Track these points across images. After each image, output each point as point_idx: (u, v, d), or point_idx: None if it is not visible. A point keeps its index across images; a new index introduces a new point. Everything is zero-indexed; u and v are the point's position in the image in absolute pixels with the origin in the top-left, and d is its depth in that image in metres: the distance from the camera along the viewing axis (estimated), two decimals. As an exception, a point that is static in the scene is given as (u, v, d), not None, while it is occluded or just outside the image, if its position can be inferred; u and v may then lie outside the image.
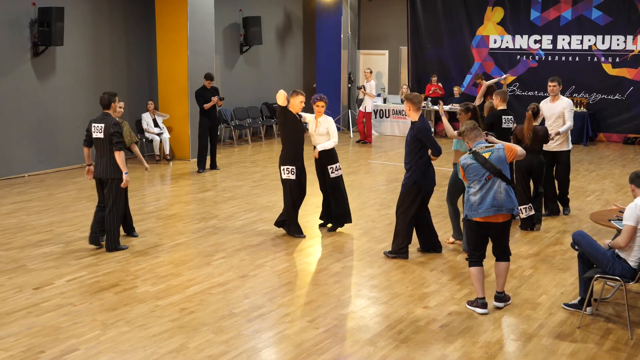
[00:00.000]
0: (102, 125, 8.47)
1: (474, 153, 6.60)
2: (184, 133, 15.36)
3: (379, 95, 20.72)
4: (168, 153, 15.11)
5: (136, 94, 15.71)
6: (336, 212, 9.50)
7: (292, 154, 9.07)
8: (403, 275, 7.85)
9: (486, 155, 6.56)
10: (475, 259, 6.71)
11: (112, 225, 8.55)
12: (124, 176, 8.48)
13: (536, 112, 9.71)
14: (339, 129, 20.50)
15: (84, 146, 8.83)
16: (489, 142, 6.92)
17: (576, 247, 6.63)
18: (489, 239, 6.74)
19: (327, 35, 20.54)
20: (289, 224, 9.28)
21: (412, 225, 8.36)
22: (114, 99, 8.58)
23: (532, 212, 9.63)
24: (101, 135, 8.48)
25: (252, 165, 14.93)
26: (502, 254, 6.72)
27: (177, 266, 8.12)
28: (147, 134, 15.02)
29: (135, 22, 15.63)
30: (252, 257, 8.50)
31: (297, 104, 9.03)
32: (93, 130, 8.56)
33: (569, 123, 10.26)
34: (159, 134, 15.05)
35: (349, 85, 20.57)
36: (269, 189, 12.46)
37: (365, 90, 17.87)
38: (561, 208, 10.73)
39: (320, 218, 9.83)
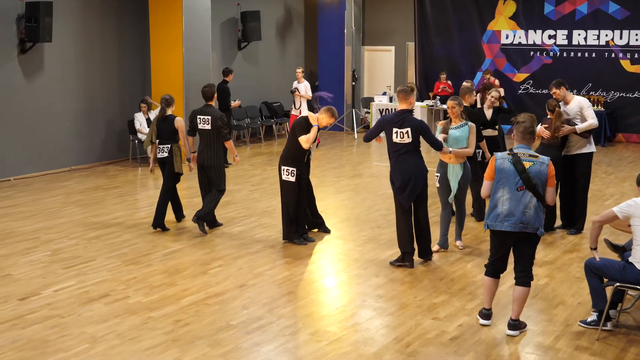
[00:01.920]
0: (209, 117, 9.58)
1: (514, 156, 6.34)
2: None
3: (384, 94, 20.69)
4: (162, 155, 15.08)
5: (128, 93, 15.69)
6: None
7: (295, 155, 9.05)
8: (411, 284, 7.81)
9: (527, 164, 6.30)
10: (492, 269, 6.62)
11: (209, 205, 9.69)
12: (236, 158, 9.83)
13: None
14: (342, 129, 20.48)
15: (188, 135, 9.89)
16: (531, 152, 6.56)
17: (592, 272, 6.56)
18: (511, 252, 6.60)
19: (329, 30, 20.54)
20: (286, 227, 9.22)
21: (405, 230, 8.28)
22: (215, 90, 9.76)
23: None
24: (208, 127, 9.59)
25: (250, 168, 14.90)
26: (522, 275, 6.46)
27: (171, 275, 8.08)
28: (139, 135, 14.99)
29: (127, 16, 15.62)
30: (251, 265, 8.46)
31: (325, 121, 9.10)
32: (198, 121, 9.69)
33: (591, 120, 9.44)
34: (152, 135, 15.03)
35: (353, 83, 20.55)
36: (269, 193, 12.43)
37: (299, 92, 16.63)
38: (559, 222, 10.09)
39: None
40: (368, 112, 20.58)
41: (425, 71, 21.08)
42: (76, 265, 8.40)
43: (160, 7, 15.25)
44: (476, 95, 11.51)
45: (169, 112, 10.11)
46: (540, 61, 19.53)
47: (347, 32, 20.48)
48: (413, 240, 8.34)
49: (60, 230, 10.01)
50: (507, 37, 19.89)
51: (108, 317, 6.81)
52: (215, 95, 9.78)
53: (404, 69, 21.86)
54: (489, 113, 10.67)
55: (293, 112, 16.71)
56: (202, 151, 9.70)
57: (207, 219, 9.82)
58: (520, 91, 19.79)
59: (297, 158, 9.06)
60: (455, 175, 8.81)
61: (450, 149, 8.72)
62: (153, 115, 15.19)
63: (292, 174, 9.03)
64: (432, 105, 18.99)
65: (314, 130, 8.96)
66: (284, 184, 9.12)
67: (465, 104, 10.09)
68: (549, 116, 9.63)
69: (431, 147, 8.35)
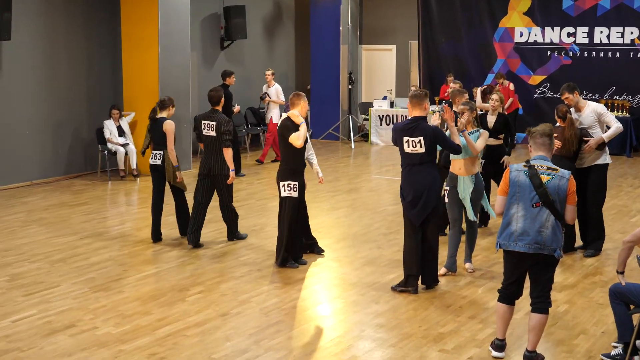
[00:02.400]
0: (214, 123, 9.84)
1: (531, 168, 6.33)
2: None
3: (384, 98, 20.74)
4: (135, 167, 15.08)
5: (97, 97, 15.70)
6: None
7: (294, 168, 9.07)
8: (415, 312, 7.81)
9: (544, 178, 6.29)
10: (505, 294, 6.62)
11: (231, 216, 10.32)
12: (231, 173, 9.92)
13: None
14: (337, 138, 20.52)
15: (199, 142, 10.23)
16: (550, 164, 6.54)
17: (618, 299, 6.57)
18: (527, 275, 6.59)
19: (323, 27, 20.61)
20: (284, 251, 9.19)
21: (413, 250, 8.31)
22: (222, 95, 10.07)
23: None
24: (213, 133, 9.86)
25: (237, 180, 14.87)
26: (539, 302, 6.45)
27: (146, 303, 8.06)
28: (109, 145, 14.99)
29: (96, 12, 15.64)
30: (235, 291, 8.44)
31: (304, 109, 9.16)
32: (203, 127, 9.96)
33: (615, 125, 9.44)
34: (124, 145, 15.03)
35: (350, 86, 20.61)
36: (256, 210, 12.42)
37: (269, 97, 16.62)
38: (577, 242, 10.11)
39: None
40: (366, 119, 20.63)
41: (430, 73, 21.16)
42: (38, 292, 8.35)
43: (133, 1, 15.29)
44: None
45: (163, 114, 10.43)
46: (558, 62, 19.63)
47: (343, 29, 20.56)
48: (420, 263, 8.36)
49: (20, 252, 9.98)
50: (521, 35, 20.01)
51: (74, 351, 6.77)
52: (223, 100, 10.06)
53: (407, 71, 21.94)
54: (492, 119, 10.68)
55: (273, 121, 16.67)
56: (207, 159, 9.99)
57: (235, 232, 10.50)
58: (536, 95, 19.88)
59: (297, 170, 9.08)
60: (466, 188, 8.83)
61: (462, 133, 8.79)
62: (125, 122, 15.20)
63: (295, 189, 9.03)
64: (439, 111, 19.01)
65: (303, 127, 8.99)
66: (285, 201, 9.08)
67: (454, 109, 10.17)
68: (558, 123, 9.66)
69: (451, 153, 8.49)
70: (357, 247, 10.23)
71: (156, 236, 10.44)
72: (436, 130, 8.22)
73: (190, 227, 10.12)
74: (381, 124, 19.82)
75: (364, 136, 20.74)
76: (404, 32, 21.79)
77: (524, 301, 7.14)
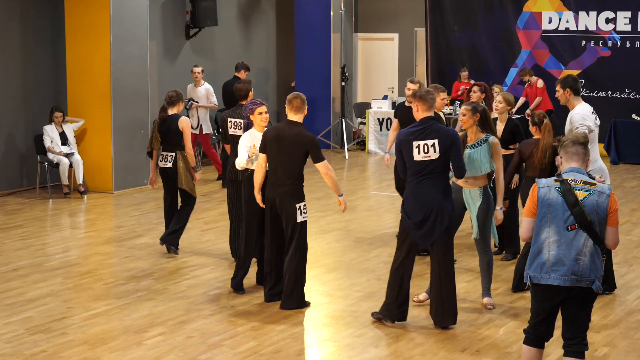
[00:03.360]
0: (242, 121, 10.12)
1: (563, 184, 6.31)
2: (105, 153, 15.31)
3: (384, 98, 20.77)
4: (82, 183, 15.05)
5: (35, 98, 15.68)
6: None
7: (300, 185, 9.11)
8: (422, 357, 7.81)
9: (580, 195, 6.29)
10: (533, 335, 6.62)
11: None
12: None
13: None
14: (328, 147, 20.53)
15: (225, 144, 10.63)
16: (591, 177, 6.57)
17: None
18: (559, 312, 6.59)
19: (310, 12, 20.65)
20: (296, 290, 9.07)
21: (397, 275, 8.44)
22: (251, 87, 10.53)
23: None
24: (240, 132, 10.05)
25: (203, 199, 14.88)
26: (574, 344, 6.47)
27: (94, 347, 8.04)
28: (50, 155, 14.96)
29: (34, -6, 15.66)
30: (204, 333, 8.43)
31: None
32: (229, 125, 10.30)
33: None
34: (68, 155, 15.01)
35: (343, 83, 20.63)
36: (228, 234, 12.40)
37: (196, 102, 16.50)
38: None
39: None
40: (363, 123, 20.65)
41: (440, 67, 21.22)
42: (-37, 335, 8.34)
43: (79, -18, 15.32)
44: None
45: (173, 111, 10.92)
46: (594, 53, 19.72)
47: (335, 14, 20.61)
48: (402, 295, 8.45)
49: (-59, 286, 9.96)
50: (550, 21, 20.10)
51: (6, 406, 6.76)
52: (251, 93, 10.50)
53: (412, 65, 22.00)
54: (500, 127, 10.59)
55: (204, 130, 16.53)
56: (234, 163, 10.02)
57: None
58: (568, 94, 19.92)
59: (301, 187, 9.16)
60: (472, 203, 8.88)
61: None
62: (69, 129, 15.15)
63: (306, 210, 9.13)
64: (450, 113, 19.08)
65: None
66: (298, 228, 9.01)
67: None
68: (533, 134, 9.73)
69: (453, 170, 8.42)
70: (352, 279, 10.23)
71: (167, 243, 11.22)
72: (456, 136, 8.28)
73: (233, 240, 10.60)
74: (381, 129, 19.85)
75: (361, 144, 20.77)
76: (408, 17, 21.86)
77: (555, 343, 7.16)
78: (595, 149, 9.60)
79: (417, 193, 8.25)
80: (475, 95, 10.73)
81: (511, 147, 10.50)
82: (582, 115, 9.50)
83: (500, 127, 10.60)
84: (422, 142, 8.17)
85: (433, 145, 8.15)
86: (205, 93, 16.60)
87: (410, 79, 11.33)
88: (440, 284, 8.39)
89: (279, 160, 8.87)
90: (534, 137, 9.71)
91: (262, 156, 9.00)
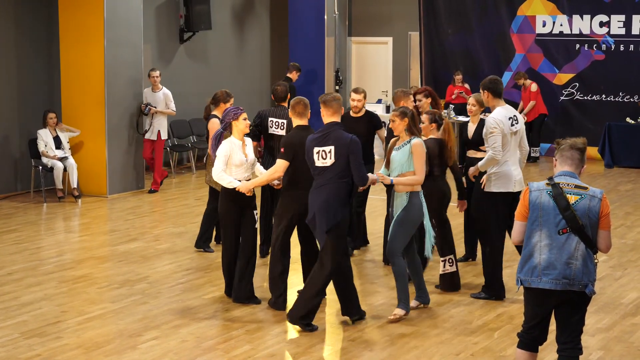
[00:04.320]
0: (284, 121, 10.47)
1: (555, 187, 6.32)
2: (99, 157, 15.31)
3: (378, 102, 20.78)
4: (76, 187, 15.04)
5: (29, 102, 15.67)
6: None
7: None
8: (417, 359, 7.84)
9: (572, 198, 6.29)
10: (527, 339, 6.63)
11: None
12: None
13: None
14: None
15: (257, 141, 10.74)
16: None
17: None
18: (552, 316, 6.61)
19: (304, 16, 20.66)
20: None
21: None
22: (289, 90, 10.79)
23: (455, 269, 9.88)
24: (282, 132, 10.39)
25: (197, 203, 14.89)
26: (568, 348, 6.47)
27: (89, 351, 8.04)
28: (44, 159, 14.95)
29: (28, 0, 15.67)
30: (198, 337, 8.44)
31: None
32: (270, 124, 10.62)
33: (490, 152, 9.40)
34: (62, 159, 14.99)
35: (337, 87, 20.65)
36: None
37: (153, 107, 15.73)
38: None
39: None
40: (357, 127, 20.65)
41: (434, 71, 21.24)
42: (-43, 339, 8.33)
43: (73, -14, 15.33)
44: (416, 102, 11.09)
45: (215, 112, 11.00)
46: (588, 57, 19.74)
47: (328, 18, 20.63)
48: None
49: None
50: (544, 25, 20.13)
51: (1, 411, 6.76)
52: (289, 95, 10.77)
53: (406, 68, 22.04)
54: (471, 128, 10.63)
55: (162, 136, 15.97)
56: (271, 163, 9.98)
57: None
58: (562, 98, 19.97)
59: None
60: (396, 208, 8.79)
61: (392, 178, 8.69)
62: (63, 133, 15.13)
63: None
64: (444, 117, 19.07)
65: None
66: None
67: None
68: (427, 133, 9.79)
69: (355, 179, 8.40)
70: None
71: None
72: (353, 143, 8.29)
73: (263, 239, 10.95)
74: (375, 133, 19.83)
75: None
76: (402, 21, 21.89)
77: (549, 347, 7.18)
78: (513, 155, 9.53)
79: (311, 195, 8.47)
80: (422, 102, 10.73)
81: (481, 148, 10.52)
82: (496, 120, 9.40)
83: (471, 128, 10.65)
84: (320, 148, 8.32)
85: (330, 151, 8.27)
86: (164, 98, 15.91)
87: (355, 89, 11.24)
88: (308, 280, 8.60)
89: (306, 166, 8.65)
90: (432, 137, 9.77)
91: (284, 163, 8.79)
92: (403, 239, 8.77)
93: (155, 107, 15.75)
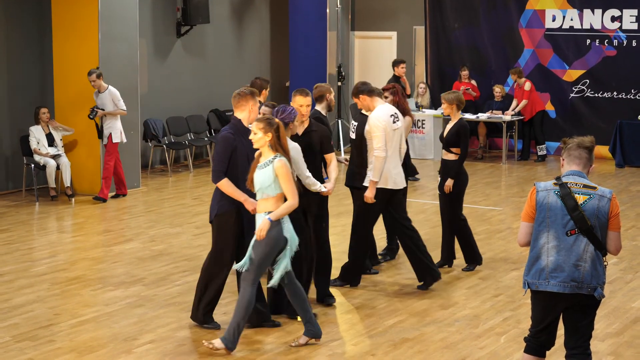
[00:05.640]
0: (356, 123, 10.25)
1: (563, 187, 6.32)
2: (93, 155, 15.32)
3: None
4: (69, 185, 15.03)
5: (21, 97, 15.68)
6: None
7: None
8: (420, 366, 7.86)
9: (580, 198, 6.29)
10: (534, 343, 6.64)
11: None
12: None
13: None
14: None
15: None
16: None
17: None
18: (560, 320, 6.61)
19: (306, 10, 20.64)
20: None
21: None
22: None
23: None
24: (353, 136, 10.25)
25: (194, 202, 14.90)
26: (577, 353, 6.48)
27: (82, 355, 8.06)
28: (37, 157, 14.95)
29: (20, -10, 15.68)
30: (195, 340, 8.45)
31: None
32: (351, 128, 10.39)
33: (376, 153, 9.69)
34: (55, 157, 15.00)
35: (340, 83, 20.65)
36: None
37: (101, 109, 14.84)
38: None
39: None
40: (360, 124, 20.64)
41: (439, 67, 21.24)
42: (-54, 342, 8.35)
43: (66, -22, 15.34)
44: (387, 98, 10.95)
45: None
46: (599, 52, 19.73)
47: (331, 12, 20.62)
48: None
49: None
50: (553, 20, 20.11)
51: (-9, 416, 6.78)
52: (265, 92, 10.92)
53: (411, 64, 21.99)
54: (448, 127, 10.72)
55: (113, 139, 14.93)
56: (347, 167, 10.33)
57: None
58: (572, 95, 19.95)
59: None
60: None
61: (267, 215, 7.92)
62: (57, 132, 15.12)
63: None
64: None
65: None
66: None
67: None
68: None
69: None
70: (348, 287, 10.26)
71: None
72: (219, 138, 8.65)
73: None
74: (379, 131, 19.82)
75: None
76: (407, 15, 21.87)
77: (557, 352, 7.19)
78: (394, 153, 9.88)
79: None
80: (389, 99, 10.73)
81: (452, 150, 10.59)
82: (377, 119, 9.77)
83: (448, 127, 10.80)
84: None
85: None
86: (111, 98, 14.86)
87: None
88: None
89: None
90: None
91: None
92: (261, 268, 8.15)
93: (103, 110, 14.85)
